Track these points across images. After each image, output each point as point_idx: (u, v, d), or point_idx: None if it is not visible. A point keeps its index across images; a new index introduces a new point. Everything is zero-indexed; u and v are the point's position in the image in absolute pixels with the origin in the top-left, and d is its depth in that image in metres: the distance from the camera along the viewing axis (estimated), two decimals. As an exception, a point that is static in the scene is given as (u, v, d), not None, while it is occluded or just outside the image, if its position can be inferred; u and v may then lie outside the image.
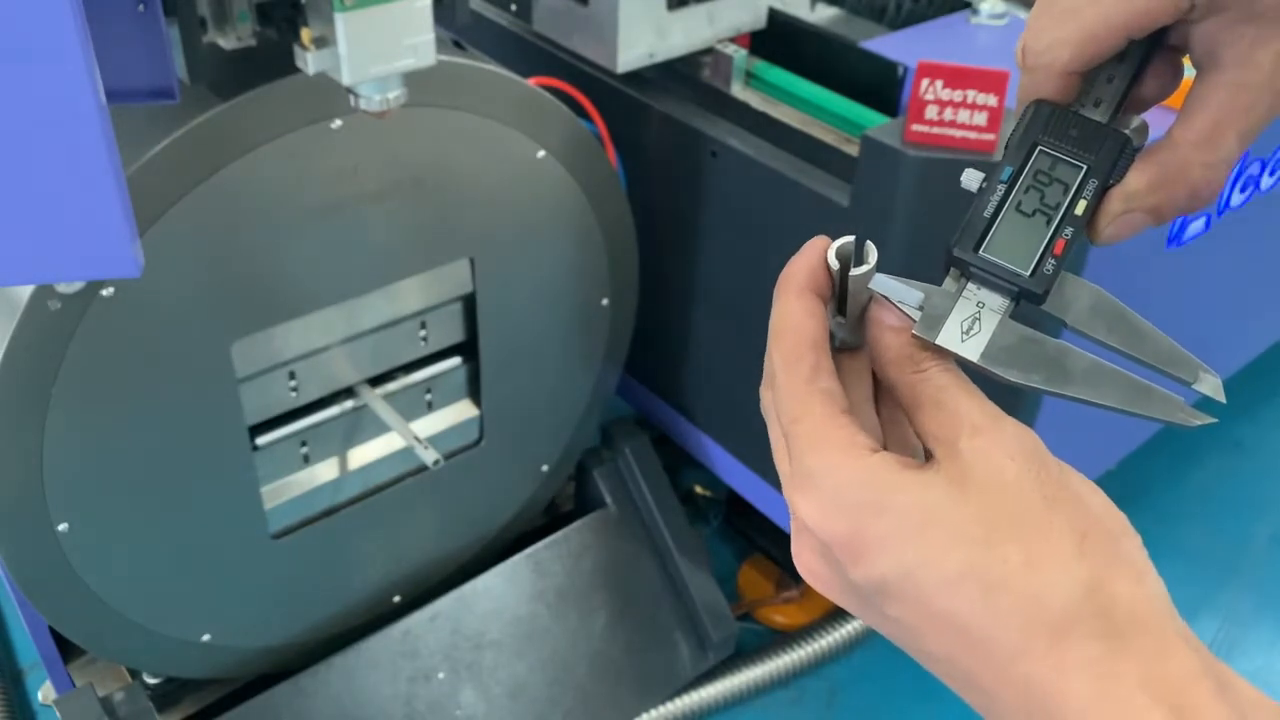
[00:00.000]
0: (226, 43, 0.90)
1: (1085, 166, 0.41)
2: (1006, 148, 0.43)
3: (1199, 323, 1.55)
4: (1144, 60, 0.43)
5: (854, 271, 0.41)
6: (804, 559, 0.41)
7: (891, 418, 0.43)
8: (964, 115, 1.04)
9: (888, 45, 1.26)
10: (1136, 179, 0.41)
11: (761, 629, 1.62)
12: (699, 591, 1.48)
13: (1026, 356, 0.40)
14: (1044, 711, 0.34)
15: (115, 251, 0.65)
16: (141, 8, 0.74)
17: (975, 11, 1.32)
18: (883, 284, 0.41)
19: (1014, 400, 1.16)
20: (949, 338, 0.40)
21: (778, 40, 1.36)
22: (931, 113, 1.05)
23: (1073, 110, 0.42)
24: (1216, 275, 1.49)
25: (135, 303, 0.97)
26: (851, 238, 0.42)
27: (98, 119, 0.61)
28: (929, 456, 0.39)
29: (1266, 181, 1.45)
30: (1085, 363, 0.40)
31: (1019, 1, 1.36)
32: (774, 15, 1.36)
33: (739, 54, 1.32)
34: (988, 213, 0.41)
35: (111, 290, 0.95)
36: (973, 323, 0.40)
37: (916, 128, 1.06)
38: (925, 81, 1.04)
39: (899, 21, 1.43)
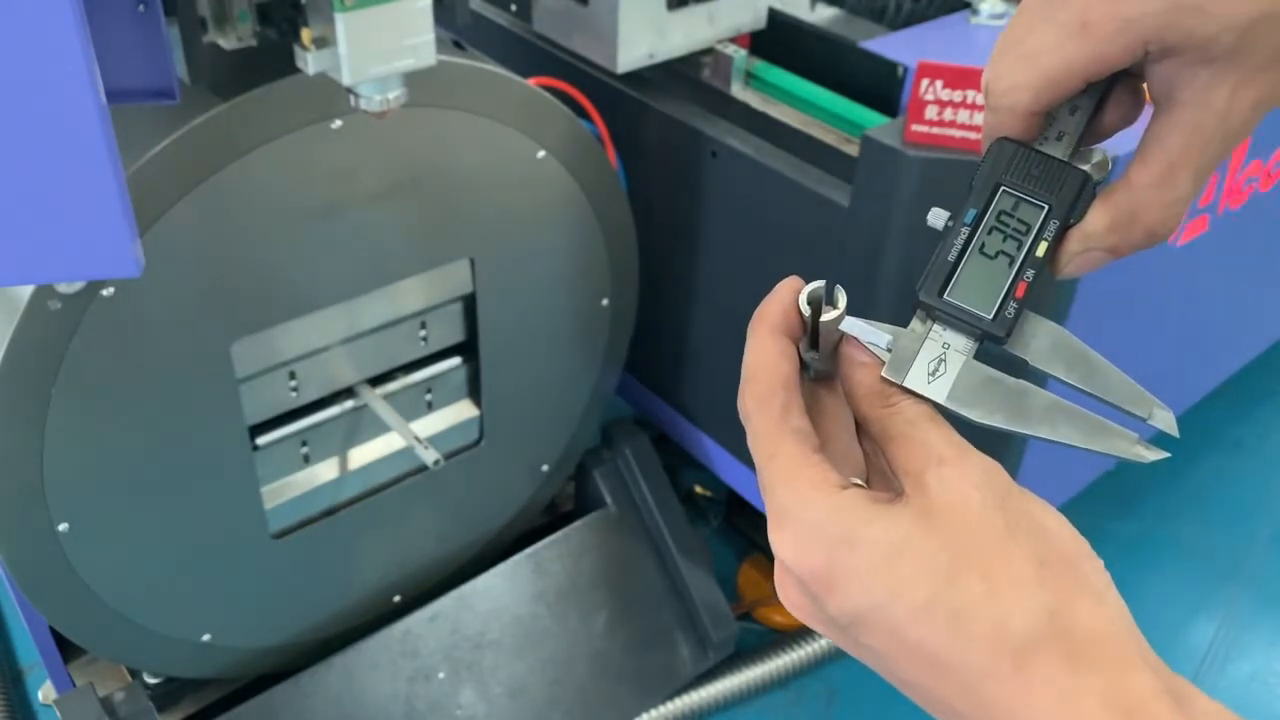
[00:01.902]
0: (226, 43, 0.90)
1: (1047, 207, 0.43)
2: (970, 189, 0.44)
3: (1199, 323, 1.55)
4: (1105, 93, 0.44)
5: (825, 317, 0.43)
6: (785, 591, 0.42)
7: (873, 448, 0.45)
8: (964, 115, 1.04)
9: (888, 45, 1.26)
10: (1095, 220, 0.43)
11: (761, 629, 1.62)
12: (699, 591, 1.48)
13: (989, 397, 0.42)
14: None
15: (115, 251, 0.65)
16: (141, 8, 0.74)
17: (975, 11, 1.32)
18: (852, 326, 0.43)
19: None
20: (916, 379, 0.42)
21: (778, 40, 1.36)
22: (931, 113, 1.05)
23: (1035, 148, 0.44)
24: (1216, 275, 1.49)
25: (135, 303, 0.97)
26: (822, 283, 0.43)
27: (98, 119, 0.61)
28: (901, 487, 0.41)
29: (1266, 182, 1.45)
30: (1045, 401, 0.42)
31: (1018, 2, 1.36)
32: (774, 15, 1.36)
33: (739, 54, 1.32)
34: (952, 256, 0.43)
35: (111, 290, 0.95)
36: (938, 364, 0.42)
37: (916, 128, 1.06)
38: (925, 81, 1.04)
39: (899, 21, 1.43)
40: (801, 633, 1.55)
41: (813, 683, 1.55)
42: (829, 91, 1.27)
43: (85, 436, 1.00)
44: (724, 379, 1.45)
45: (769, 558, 1.66)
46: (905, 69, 1.21)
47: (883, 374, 0.42)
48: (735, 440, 1.49)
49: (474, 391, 1.34)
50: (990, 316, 0.42)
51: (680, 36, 1.30)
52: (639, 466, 1.50)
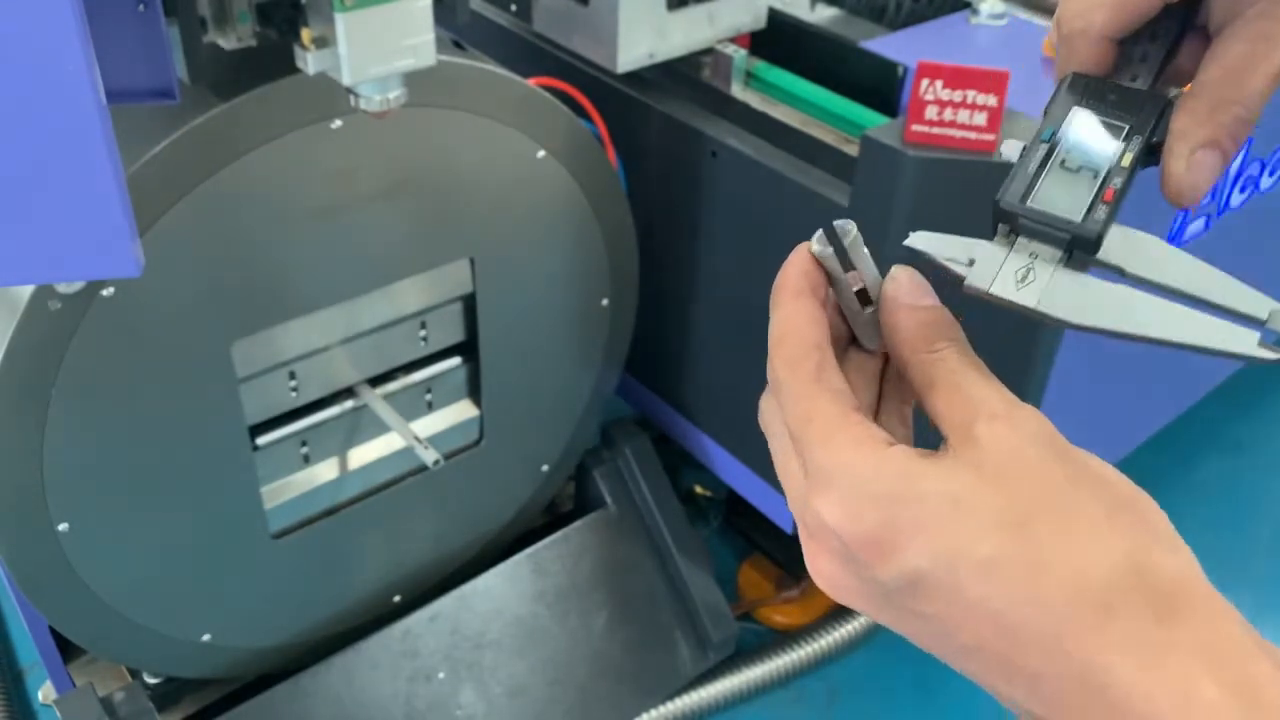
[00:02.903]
0: (226, 43, 0.90)
1: (1127, 125, 0.41)
2: (1045, 113, 0.42)
3: (1199, 323, 1.55)
4: (1177, 35, 0.42)
5: (821, 248, 0.40)
6: (819, 565, 0.40)
7: (888, 424, 0.43)
8: (964, 115, 1.04)
9: (888, 45, 1.26)
10: (1181, 120, 0.40)
11: (761, 629, 1.62)
12: (699, 591, 1.48)
13: (1088, 300, 0.38)
14: (1095, 690, 0.33)
15: (115, 251, 0.65)
16: (141, 8, 0.74)
17: (975, 11, 1.32)
18: (925, 241, 0.40)
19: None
20: (1003, 286, 0.39)
21: (778, 40, 1.36)
22: (931, 113, 1.05)
23: (1110, 80, 0.42)
24: (1216, 275, 1.49)
25: (135, 303, 0.97)
26: (844, 222, 0.41)
27: (98, 119, 0.61)
28: (941, 442, 0.38)
29: (1266, 181, 1.45)
30: (1150, 303, 0.38)
31: (1019, 1, 1.36)
32: (774, 15, 1.36)
33: (739, 54, 1.32)
34: (1032, 168, 0.40)
35: (111, 290, 0.95)
36: (1026, 272, 0.39)
37: (916, 128, 1.06)
38: (925, 81, 1.04)
39: (899, 21, 1.43)
40: (801, 633, 1.55)
41: (813, 683, 1.55)
42: (829, 91, 1.27)
43: (85, 436, 1.00)
44: (724, 379, 1.45)
45: (769, 558, 1.67)
46: (905, 69, 1.21)
47: (966, 284, 0.39)
48: (735, 440, 1.49)
49: (474, 391, 1.34)
50: (1079, 219, 0.39)
51: (680, 36, 1.30)
52: (639, 466, 1.50)
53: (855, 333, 0.43)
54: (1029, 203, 0.40)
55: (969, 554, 0.35)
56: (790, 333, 0.41)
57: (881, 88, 1.24)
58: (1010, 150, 0.42)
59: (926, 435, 0.41)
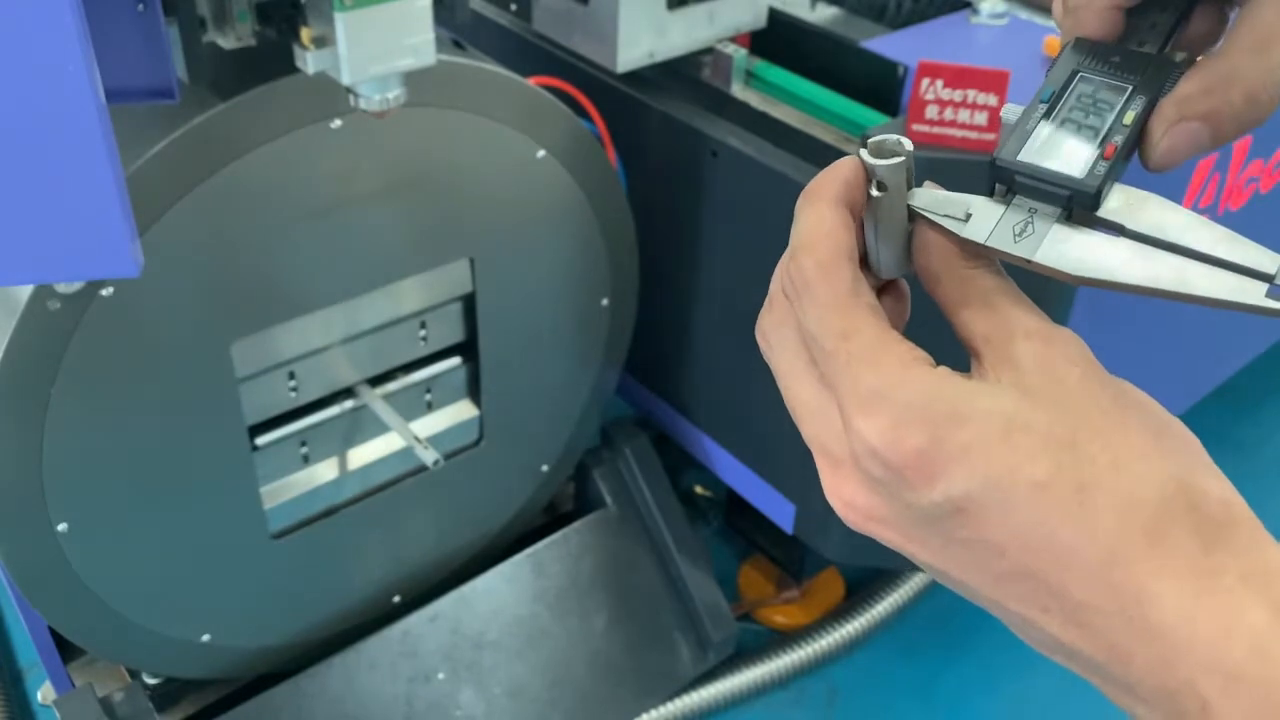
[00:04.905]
0: (226, 43, 0.90)
1: (1130, 86, 0.39)
2: (1047, 75, 0.41)
3: (1199, 323, 1.55)
4: (1190, 4, 0.41)
5: (886, 162, 0.38)
6: (846, 494, 0.38)
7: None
8: (964, 115, 1.04)
9: (888, 45, 1.26)
10: (1188, 85, 0.38)
11: (761, 629, 1.61)
12: (699, 591, 1.48)
13: (1087, 253, 0.37)
14: (1142, 614, 0.32)
15: (115, 251, 0.65)
16: (141, 8, 0.74)
17: (975, 11, 1.32)
18: (924, 197, 0.39)
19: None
20: (1000, 239, 0.38)
21: (778, 40, 1.36)
22: (932, 112, 1.05)
23: (1116, 45, 0.40)
24: (1216, 275, 1.49)
25: (135, 303, 0.97)
26: (888, 135, 0.39)
27: (98, 119, 0.61)
28: (974, 360, 0.37)
29: (1267, 182, 1.45)
30: (1153, 256, 0.37)
31: (1019, 1, 1.36)
32: (774, 15, 1.35)
33: (739, 54, 1.32)
34: (1030, 125, 0.39)
35: (111, 290, 0.95)
36: (1025, 226, 0.38)
37: (917, 127, 1.06)
38: (925, 81, 1.04)
39: (899, 21, 1.43)
40: (801, 633, 1.55)
41: (813, 683, 1.55)
42: (829, 91, 1.27)
43: (84, 436, 1.00)
44: (724, 379, 1.45)
45: (769, 558, 1.67)
46: (905, 69, 1.21)
47: (961, 236, 0.38)
48: (735, 440, 1.49)
49: (474, 391, 1.34)
50: (1078, 175, 0.37)
51: (680, 36, 1.30)
52: (639, 466, 1.50)
53: (878, 254, 0.41)
54: (1026, 159, 0.38)
55: (1020, 476, 0.34)
56: (825, 236, 0.38)
57: (882, 87, 1.24)
58: (1011, 114, 0.40)
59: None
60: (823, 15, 1.40)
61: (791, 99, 1.30)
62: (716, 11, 1.30)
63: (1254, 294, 0.36)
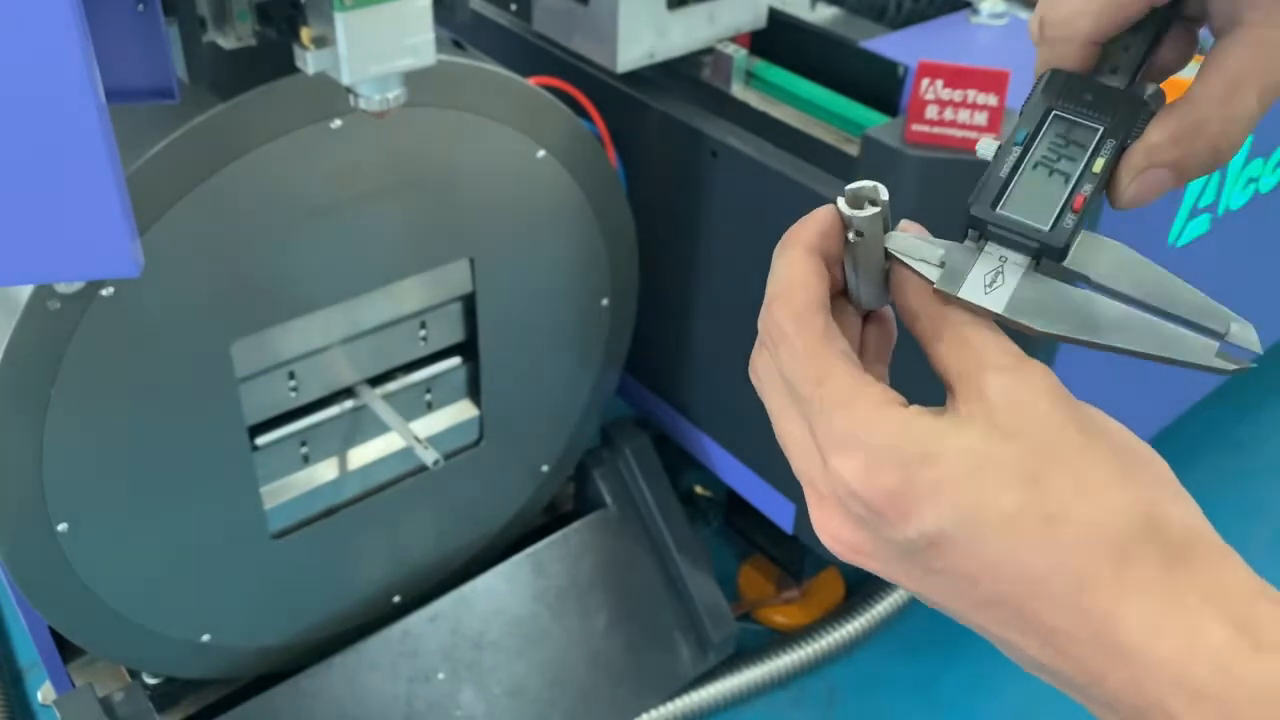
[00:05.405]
0: (226, 42, 0.90)
1: (1102, 128, 0.41)
2: (1021, 113, 0.42)
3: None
4: (1161, 29, 0.42)
5: (862, 213, 0.40)
6: (831, 528, 0.40)
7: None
8: (964, 115, 1.04)
9: (888, 45, 1.26)
10: (1156, 133, 0.40)
11: (761, 629, 1.61)
12: (699, 591, 1.48)
13: (1053, 306, 0.39)
14: (1111, 637, 0.34)
15: (115, 251, 0.65)
16: (141, 8, 0.74)
17: (975, 11, 1.32)
18: (900, 243, 0.41)
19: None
20: (971, 290, 0.40)
21: (778, 40, 1.36)
22: (932, 112, 1.05)
23: (1089, 78, 0.42)
24: (1216, 275, 1.49)
25: (135, 303, 0.97)
26: (865, 183, 0.41)
27: (98, 119, 0.61)
28: (949, 394, 0.39)
29: (1267, 181, 1.45)
30: (1114, 311, 0.39)
31: (1019, 1, 1.36)
32: (774, 15, 1.35)
33: (739, 54, 1.32)
34: (1004, 173, 0.41)
35: (111, 290, 0.95)
36: (995, 276, 0.40)
37: (916, 128, 1.06)
38: (925, 81, 1.04)
39: (899, 21, 1.43)
40: (801, 633, 1.55)
41: (813, 683, 1.55)
42: (829, 91, 1.27)
43: (85, 436, 1.00)
44: (724, 379, 1.45)
45: (769, 558, 1.67)
46: (905, 69, 1.21)
47: (935, 286, 0.40)
48: (735, 440, 1.49)
49: (474, 391, 1.34)
50: (1047, 228, 0.39)
51: (680, 36, 1.30)
52: (639, 466, 1.50)
53: (858, 290, 0.43)
54: (999, 209, 0.40)
55: (988, 510, 0.35)
56: (798, 286, 0.40)
57: (882, 87, 1.24)
58: (985, 149, 0.42)
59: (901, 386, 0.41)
60: (823, 15, 1.40)
61: (791, 99, 1.30)
62: (716, 11, 1.30)
63: (1204, 354, 0.38)
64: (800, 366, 0.39)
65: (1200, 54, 0.43)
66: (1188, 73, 0.43)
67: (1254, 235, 1.51)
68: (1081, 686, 0.36)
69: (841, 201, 0.41)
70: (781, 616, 1.62)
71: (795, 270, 0.41)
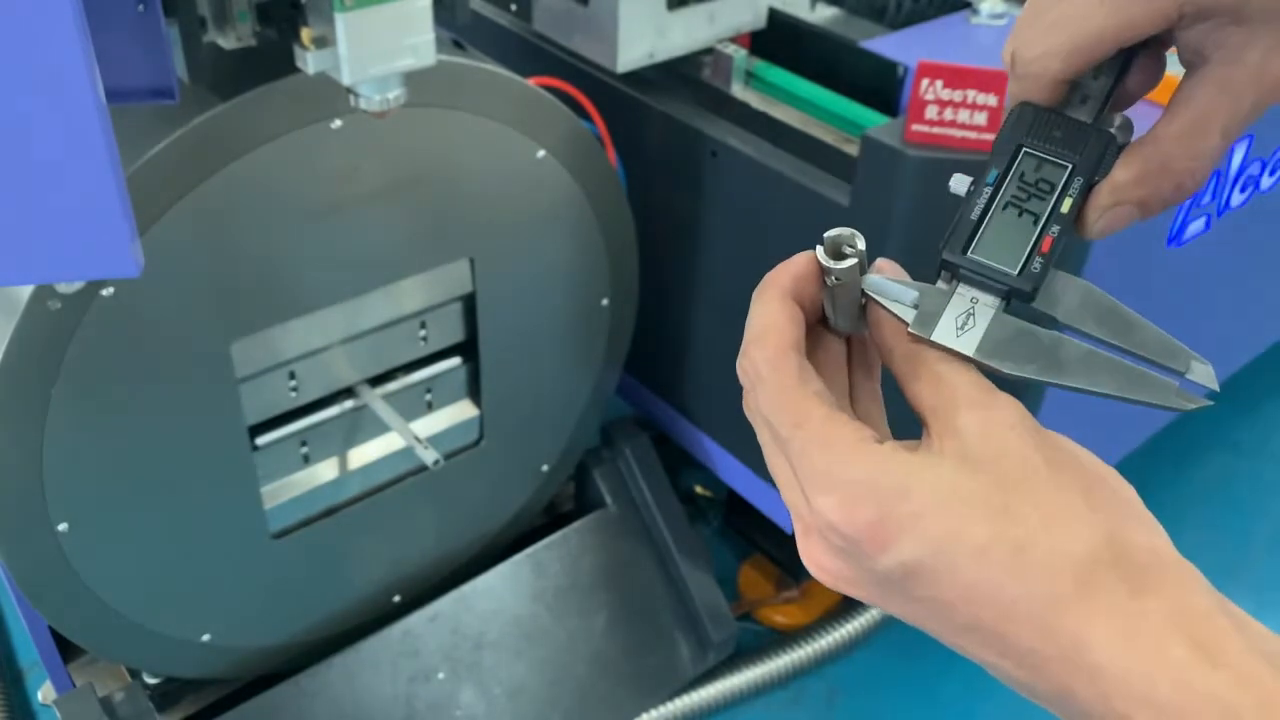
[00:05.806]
0: (226, 43, 0.90)
1: (1070, 166, 0.43)
2: (993, 150, 0.44)
3: (1199, 322, 1.55)
4: (1129, 59, 0.44)
5: (840, 265, 0.42)
6: (816, 558, 0.42)
7: (864, 404, 0.46)
8: (964, 115, 1.04)
9: (888, 45, 1.26)
10: (1122, 172, 0.42)
11: (761, 629, 1.62)
12: (699, 591, 1.48)
13: (1021, 349, 0.41)
14: (1080, 656, 0.36)
15: (115, 251, 0.65)
16: (141, 8, 0.74)
17: (975, 11, 1.32)
18: (875, 285, 0.43)
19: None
20: (944, 333, 0.41)
21: (778, 40, 1.36)
22: (931, 113, 1.05)
23: (1058, 111, 0.43)
24: (1216, 275, 1.49)
25: (135, 303, 0.97)
26: (840, 230, 0.43)
27: (98, 119, 0.61)
28: (924, 429, 0.41)
29: (1266, 181, 1.45)
30: (1079, 352, 0.41)
31: (1019, 2, 1.36)
32: (774, 15, 1.35)
33: (739, 54, 1.32)
34: (975, 215, 0.43)
35: (111, 290, 0.95)
36: (967, 318, 0.42)
37: (916, 128, 1.06)
38: (925, 81, 1.04)
39: (899, 21, 1.43)
40: (801, 633, 1.55)
41: (813, 683, 1.55)
42: (829, 91, 1.27)
43: (85, 436, 1.00)
44: (724, 379, 1.45)
45: (769, 558, 1.67)
46: (905, 69, 1.21)
47: (909, 329, 0.42)
48: (735, 440, 1.49)
49: (474, 391, 1.34)
50: (1015, 272, 0.42)
51: (680, 36, 1.30)
52: (639, 466, 1.50)
53: (837, 324, 0.45)
54: (970, 253, 0.42)
55: (961, 541, 0.37)
56: (773, 329, 0.43)
57: (881, 87, 1.24)
58: (958, 185, 0.44)
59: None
60: (823, 15, 1.41)
61: (791, 99, 1.30)
62: (716, 12, 1.30)
63: (1164, 394, 0.40)
64: (778, 409, 0.42)
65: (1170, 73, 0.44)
66: (1178, 69, 0.43)
67: (1254, 235, 1.51)
68: (1059, 702, 0.37)
69: (820, 250, 0.43)
70: (781, 616, 1.62)
71: (769, 316, 0.43)
